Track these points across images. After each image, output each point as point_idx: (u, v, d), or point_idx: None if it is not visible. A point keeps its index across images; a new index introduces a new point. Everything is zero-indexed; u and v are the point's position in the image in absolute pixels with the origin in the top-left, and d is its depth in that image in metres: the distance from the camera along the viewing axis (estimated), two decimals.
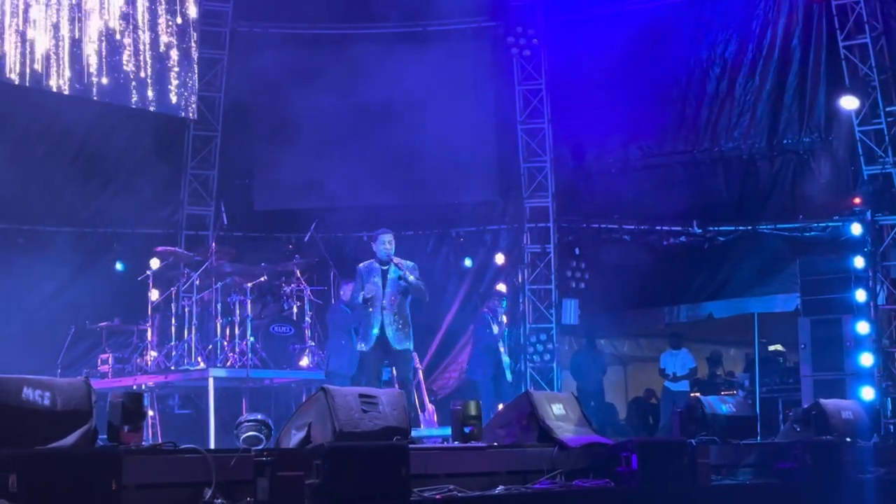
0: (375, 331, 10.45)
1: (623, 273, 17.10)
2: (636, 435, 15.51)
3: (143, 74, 15.67)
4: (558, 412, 8.60)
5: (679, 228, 16.99)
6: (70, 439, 5.92)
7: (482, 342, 14.22)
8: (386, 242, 10.62)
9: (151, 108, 15.85)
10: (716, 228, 16.79)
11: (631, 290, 17.05)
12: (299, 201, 16.83)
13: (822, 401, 10.28)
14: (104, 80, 15.21)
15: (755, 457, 9.45)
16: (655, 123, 17.18)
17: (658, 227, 17.13)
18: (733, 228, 16.68)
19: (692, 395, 15.34)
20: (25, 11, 14.49)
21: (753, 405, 13.37)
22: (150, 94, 15.75)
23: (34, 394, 5.91)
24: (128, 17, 15.58)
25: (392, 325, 10.47)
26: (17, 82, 14.38)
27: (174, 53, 16.12)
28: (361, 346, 10.65)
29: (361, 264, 10.77)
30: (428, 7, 17.31)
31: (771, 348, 16.60)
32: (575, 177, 17.63)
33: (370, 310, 10.49)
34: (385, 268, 10.57)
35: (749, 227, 16.52)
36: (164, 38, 16.01)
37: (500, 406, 12.00)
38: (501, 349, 14.10)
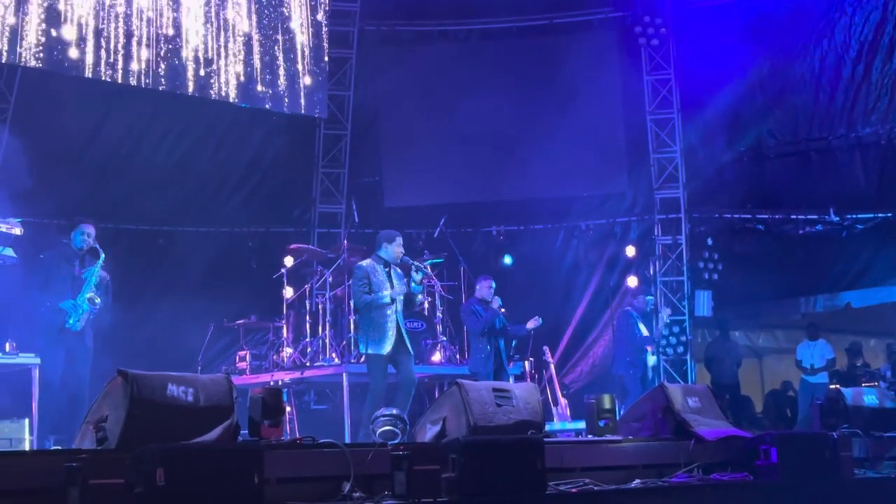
0: (392, 334, 10.07)
1: (757, 263, 16.80)
2: (774, 428, 15.21)
3: (274, 76, 15.95)
4: (694, 405, 8.50)
5: (815, 217, 16.60)
6: (213, 434, 6.06)
7: (628, 340, 14.05)
8: (399, 245, 10.40)
9: (283, 109, 16.13)
10: (854, 216, 16.35)
11: (765, 281, 16.73)
12: (429, 197, 16.91)
13: None
14: (237, 83, 15.53)
15: None
16: (789, 110, 16.82)
17: (793, 216, 16.77)
18: (872, 216, 16.22)
19: (832, 386, 14.96)
20: (159, 18, 14.88)
21: None
22: (281, 94, 16.02)
23: (178, 390, 6.07)
24: (259, 20, 15.87)
25: (404, 327, 10.26)
26: (150, 85, 14.76)
27: (305, 54, 16.37)
28: (374, 350, 10.09)
29: (365, 263, 10.37)
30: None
31: None
32: (706, 166, 17.35)
33: (388, 312, 10.11)
34: (388, 269, 10.30)
35: (889, 214, 16.05)
36: (294, 39, 16.27)
37: None
38: (649, 349, 13.95)
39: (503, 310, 12.31)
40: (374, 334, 10.05)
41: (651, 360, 13.90)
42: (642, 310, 14.19)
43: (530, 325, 12.61)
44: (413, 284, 10.43)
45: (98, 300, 9.81)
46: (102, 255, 9.90)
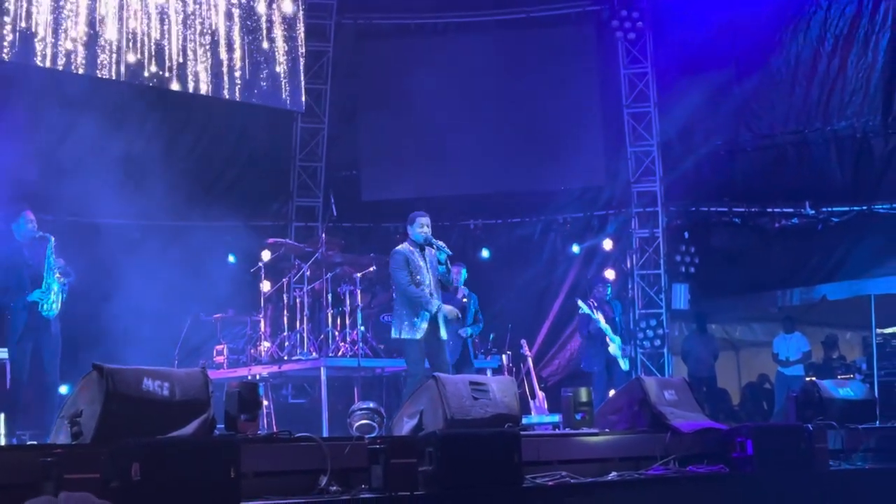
0: (427, 318, 9.75)
1: (734, 256, 16.89)
2: (750, 421, 15.28)
3: (251, 69, 15.91)
4: (670, 398, 8.53)
5: (791, 210, 16.69)
6: (189, 428, 6.04)
7: (582, 333, 14.09)
8: (424, 226, 10.00)
9: (260, 103, 16.08)
10: (829, 209, 16.45)
11: (742, 274, 16.82)
12: (406, 191, 16.92)
13: None
14: (213, 77, 15.48)
15: (874, 441, 9.26)
16: (765, 104, 16.89)
17: (769, 209, 16.86)
18: (847, 209, 16.33)
19: (808, 379, 15.05)
20: (134, 12, 14.82)
21: (872, 389, 13.07)
22: (258, 88, 15.98)
23: (154, 384, 6.05)
24: (234, 13, 15.83)
25: (440, 313, 9.83)
26: (125, 80, 14.71)
27: (281, 47, 16.33)
28: (409, 335, 9.75)
29: (402, 247, 10.03)
30: None
31: (888, 331, 16.19)
32: (683, 160, 17.40)
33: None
34: (423, 252, 9.98)
35: (864, 207, 16.16)
36: (271, 33, 16.23)
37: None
38: (607, 338, 13.85)
39: (465, 299, 12.24)
40: (409, 319, 9.75)
41: (612, 347, 13.76)
42: (602, 299, 14.11)
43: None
44: (439, 265, 10.14)
45: (63, 280, 9.73)
46: (52, 239, 9.78)
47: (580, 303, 13.87)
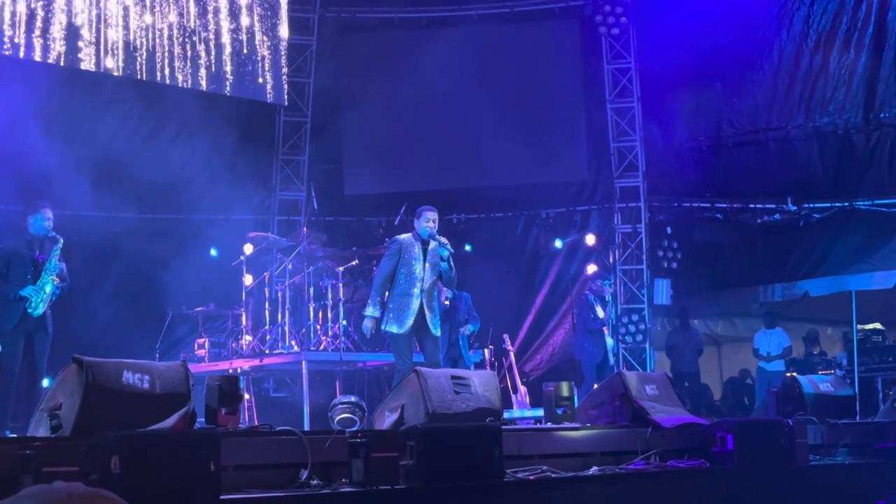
0: (414, 313, 9.57)
1: (716, 252, 16.91)
2: (731, 416, 15.33)
3: (233, 62, 15.85)
4: (651, 392, 8.55)
5: (773, 206, 16.72)
6: (169, 421, 6.02)
7: (585, 326, 14.12)
8: (430, 220, 9.80)
9: (243, 96, 16.03)
10: (811, 205, 16.49)
11: (724, 270, 16.85)
12: (389, 185, 16.89)
13: None
14: (196, 69, 15.42)
15: (854, 437, 9.30)
16: (748, 100, 16.92)
17: (752, 205, 16.89)
18: (829, 205, 16.37)
19: (788, 374, 15.10)
20: (117, 5, 14.76)
21: (852, 384, 13.13)
22: (241, 81, 15.92)
23: (134, 377, 6.03)
24: (217, 6, 15.76)
25: (430, 309, 9.67)
26: (113, 72, 14.65)
27: (264, 40, 16.28)
28: (394, 328, 9.58)
29: (403, 236, 9.87)
30: None
31: (869, 327, 16.27)
32: (665, 155, 17.42)
33: (413, 290, 9.61)
34: (425, 247, 9.78)
35: (846, 204, 16.21)
36: (254, 26, 16.17)
37: None
38: (605, 331, 13.94)
39: (447, 302, 12.24)
40: (396, 312, 9.58)
41: (609, 342, 13.87)
42: (600, 294, 14.21)
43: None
44: (441, 262, 9.99)
45: (58, 282, 9.76)
46: (61, 241, 9.84)
47: (587, 293, 14.05)
